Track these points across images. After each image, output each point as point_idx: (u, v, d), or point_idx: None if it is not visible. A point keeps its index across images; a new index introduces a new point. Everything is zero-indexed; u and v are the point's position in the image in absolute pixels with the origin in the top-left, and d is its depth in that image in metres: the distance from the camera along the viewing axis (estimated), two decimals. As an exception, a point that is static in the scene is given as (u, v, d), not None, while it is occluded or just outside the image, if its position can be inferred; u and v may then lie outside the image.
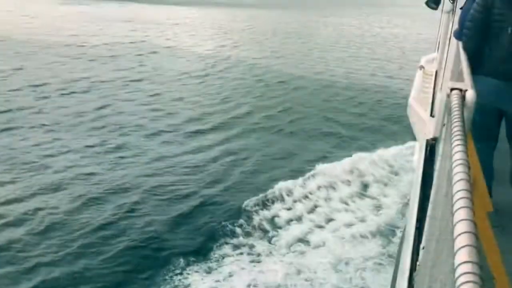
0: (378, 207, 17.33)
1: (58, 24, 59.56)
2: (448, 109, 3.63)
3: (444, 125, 3.95)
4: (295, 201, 17.51)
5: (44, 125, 24.04)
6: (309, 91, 33.82)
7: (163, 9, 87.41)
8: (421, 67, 19.03)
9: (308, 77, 37.99)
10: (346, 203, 17.55)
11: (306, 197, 17.82)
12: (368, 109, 30.29)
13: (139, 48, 45.88)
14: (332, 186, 18.79)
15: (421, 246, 3.45)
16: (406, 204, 15.82)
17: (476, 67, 5.58)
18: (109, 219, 15.64)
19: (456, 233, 1.60)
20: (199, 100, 30.47)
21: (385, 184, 19.27)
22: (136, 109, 27.59)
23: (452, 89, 3.60)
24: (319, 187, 18.60)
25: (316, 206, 17.30)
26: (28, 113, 25.62)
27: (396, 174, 20.29)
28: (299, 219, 16.40)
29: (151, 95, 30.78)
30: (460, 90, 3.57)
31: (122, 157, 20.61)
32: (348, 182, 19.21)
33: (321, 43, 55.62)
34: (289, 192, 17.92)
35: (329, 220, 16.41)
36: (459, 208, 1.81)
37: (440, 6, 13.88)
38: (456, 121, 2.92)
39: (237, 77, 36.88)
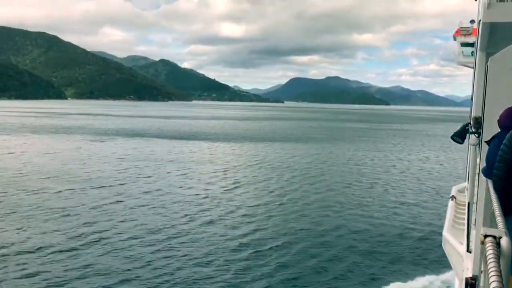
0: None
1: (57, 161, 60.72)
2: (484, 256, 3.57)
3: (482, 271, 3.88)
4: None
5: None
6: (338, 226, 33.56)
7: (169, 143, 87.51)
8: (453, 197, 18.98)
9: (337, 213, 37.67)
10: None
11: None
12: (402, 240, 29.73)
13: (129, 192, 42.03)
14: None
15: None
16: None
17: (508, 208, 5.53)
18: None
19: None
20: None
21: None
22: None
23: (486, 236, 3.56)
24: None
25: None
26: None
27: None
28: None
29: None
30: (495, 237, 3.54)
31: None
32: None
33: (348, 177, 54.22)
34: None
35: None
36: None
37: (466, 140, 14.24)
38: (493, 275, 2.89)
39: (254, 220, 35.04)
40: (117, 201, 38.25)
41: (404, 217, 35.79)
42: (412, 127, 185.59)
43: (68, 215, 33.50)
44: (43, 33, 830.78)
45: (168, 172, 53.87)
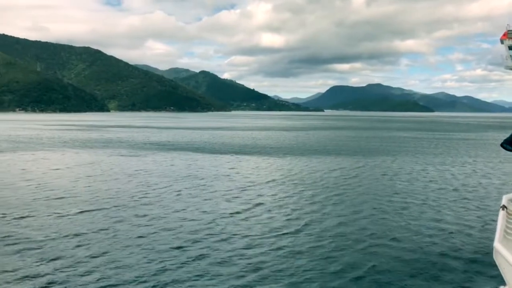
0: None
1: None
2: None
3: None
4: None
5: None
6: (382, 237, 32.98)
7: (202, 157, 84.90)
8: (504, 207, 18.20)
9: (382, 224, 37.33)
10: None
11: None
12: (449, 250, 28.67)
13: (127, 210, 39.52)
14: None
15: None
16: None
17: None
18: None
19: None
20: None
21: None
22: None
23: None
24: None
25: None
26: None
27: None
28: None
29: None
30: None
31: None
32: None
33: (393, 193, 50.53)
34: None
35: None
36: None
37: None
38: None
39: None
40: (142, 223, 36.05)
41: (452, 226, 34.75)
42: (459, 135, 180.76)
43: (89, 230, 33.37)
44: (88, 47, 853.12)
45: (200, 188, 51.80)
